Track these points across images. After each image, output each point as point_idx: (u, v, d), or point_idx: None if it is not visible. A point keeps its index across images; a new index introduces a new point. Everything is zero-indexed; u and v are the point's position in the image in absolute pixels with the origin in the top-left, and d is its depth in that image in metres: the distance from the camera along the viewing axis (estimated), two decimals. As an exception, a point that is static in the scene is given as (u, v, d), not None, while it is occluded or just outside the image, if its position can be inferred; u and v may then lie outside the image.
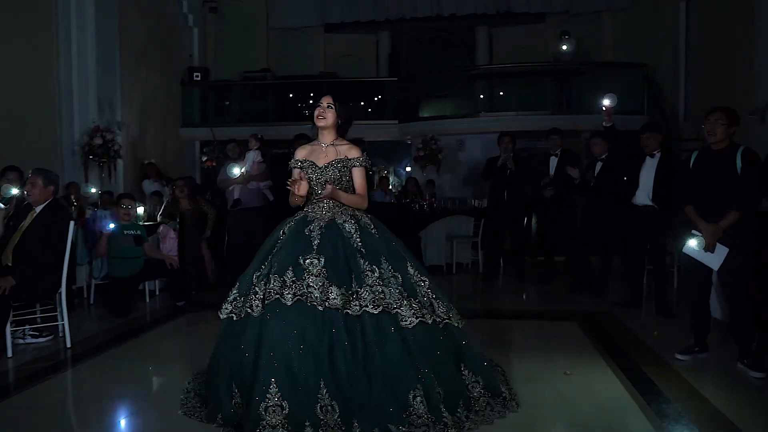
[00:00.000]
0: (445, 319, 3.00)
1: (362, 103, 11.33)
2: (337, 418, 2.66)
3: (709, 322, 4.12)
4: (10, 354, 4.18)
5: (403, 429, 2.66)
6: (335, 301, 2.78)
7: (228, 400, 2.89)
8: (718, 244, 3.75)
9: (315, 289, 2.80)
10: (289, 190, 3.16)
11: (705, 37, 9.54)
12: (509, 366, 3.84)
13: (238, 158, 6.85)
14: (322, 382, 2.68)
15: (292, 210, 3.27)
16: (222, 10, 11.93)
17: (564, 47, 10.45)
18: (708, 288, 4.07)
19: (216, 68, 11.77)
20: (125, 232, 5.78)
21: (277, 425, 2.61)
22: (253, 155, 6.82)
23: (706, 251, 3.80)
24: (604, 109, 5.50)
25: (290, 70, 11.87)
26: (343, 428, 2.65)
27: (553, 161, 6.67)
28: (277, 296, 2.80)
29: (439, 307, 3.01)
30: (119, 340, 4.77)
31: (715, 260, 3.78)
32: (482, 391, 3.04)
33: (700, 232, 3.85)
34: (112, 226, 5.60)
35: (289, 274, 2.84)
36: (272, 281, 2.85)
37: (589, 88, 10.00)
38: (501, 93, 10.95)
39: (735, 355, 3.88)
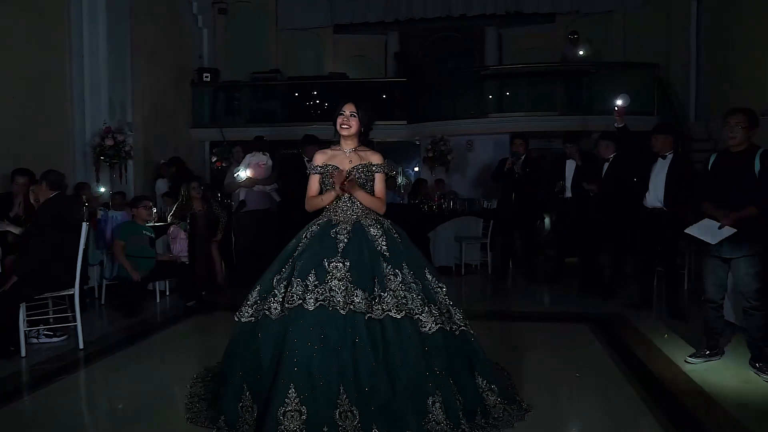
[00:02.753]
0: (461, 326, 3.01)
1: (371, 104, 11.30)
2: (357, 424, 2.64)
3: (723, 326, 4.09)
4: (23, 354, 4.23)
5: None
6: (360, 305, 2.78)
7: (235, 403, 2.87)
8: (726, 227, 3.74)
9: (337, 293, 2.79)
10: (304, 195, 3.18)
11: (716, 37, 9.47)
12: (520, 368, 3.84)
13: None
14: (342, 388, 2.66)
15: (299, 212, 3.26)
16: (231, 11, 11.97)
17: (581, 52, 10.40)
18: (723, 292, 4.04)
19: (225, 69, 11.80)
20: (143, 232, 5.85)
21: (295, 430, 2.59)
22: (248, 159, 6.85)
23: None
24: (616, 109, 5.48)
25: (299, 71, 11.89)
26: None
27: (570, 165, 6.60)
28: (300, 302, 2.78)
29: (455, 314, 3.03)
30: (131, 340, 4.81)
31: (714, 236, 3.76)
32: (497, 399, 3.01)
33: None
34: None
35: (312, 278, 2.83)
36: (294, 285, 2.83)
37: (600, 88, 9.95)
38: (510, 94, 10.91)
39: (747, 358, 3.86)
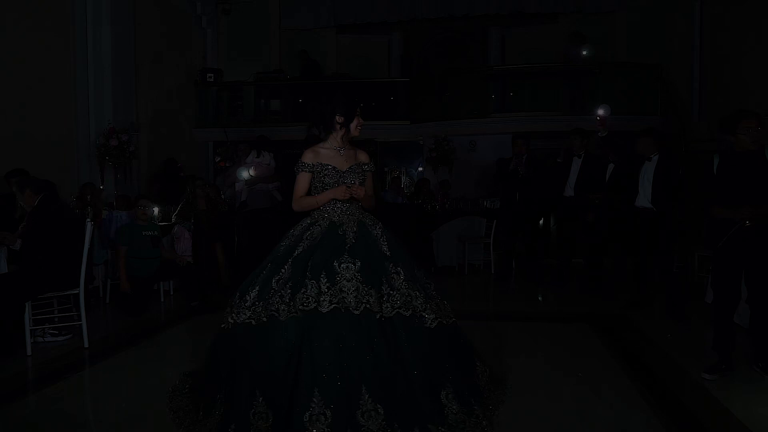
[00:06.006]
0: (453, 318, 3.08)
1: (374, 104, 11.33)
2: (382, 421, 2.63)
3: (734, 337, 3.88)
4: (29, 352, 4.26)
5: (443, 429, 2.72)
6: (373, 304, 2.78)
7: (246, 409, 2.74)
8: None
9: (348, 294, 2.79)
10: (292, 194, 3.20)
11: (718, 37, 9.47)
12: (521, 368, 3.85)
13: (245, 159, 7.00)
14: (363, 387, 2.66)
15: (304, 212, 3.25)
16: (235, 12, 11.99)
17: (583, 52, 10.41)
18: (736, 303, 3.90)
19: (229, 69, 11.82)
20: (143, 232, 5.86)
21: None
22: (251, 158, 6.90)
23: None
24: (598, 119, 5.52)
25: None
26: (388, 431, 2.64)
27: (576, 162, 6.60)
28: (315, 304, 2.75)
29: (445, 307, 3.09)
30: (135, 339, 4.84)
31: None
32: (488, 379, 3.20)
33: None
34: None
35: (324, 279, 2.81)
36: (309, 287, 2.79)
37: (602, 88, 9.95)
38: (513, 94, 10.91)
39: (749, 358, 3.86)
